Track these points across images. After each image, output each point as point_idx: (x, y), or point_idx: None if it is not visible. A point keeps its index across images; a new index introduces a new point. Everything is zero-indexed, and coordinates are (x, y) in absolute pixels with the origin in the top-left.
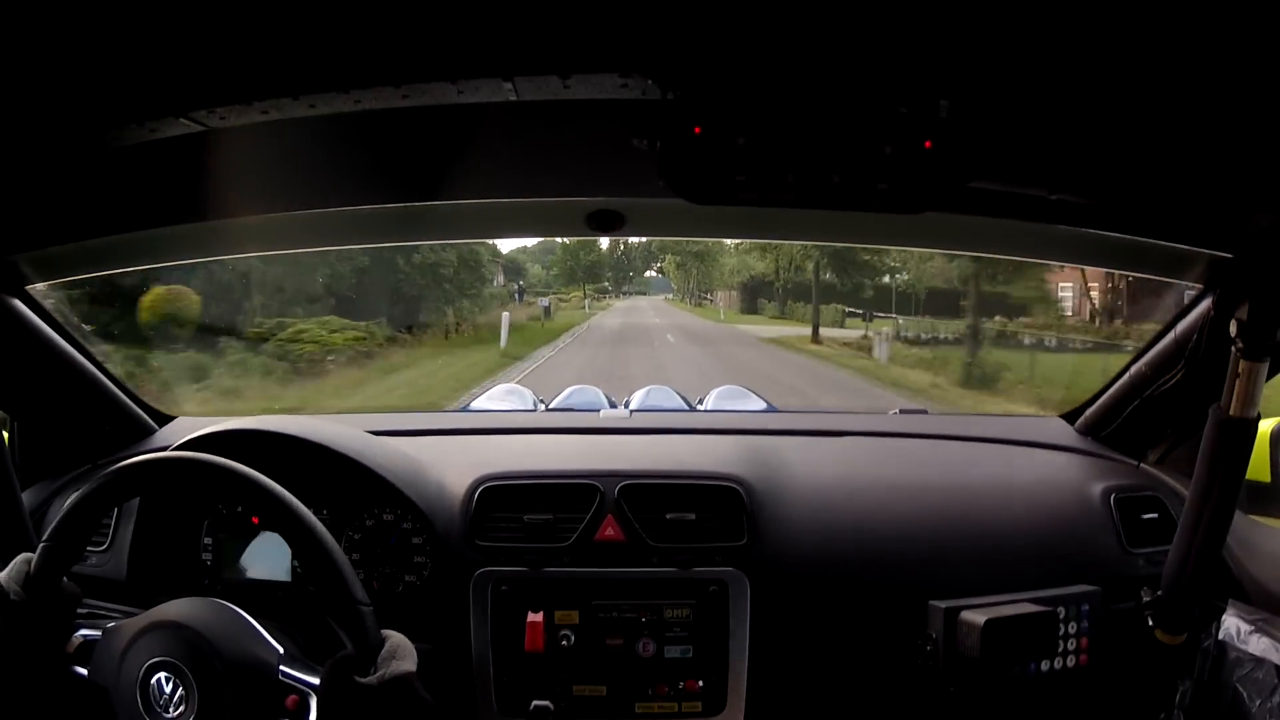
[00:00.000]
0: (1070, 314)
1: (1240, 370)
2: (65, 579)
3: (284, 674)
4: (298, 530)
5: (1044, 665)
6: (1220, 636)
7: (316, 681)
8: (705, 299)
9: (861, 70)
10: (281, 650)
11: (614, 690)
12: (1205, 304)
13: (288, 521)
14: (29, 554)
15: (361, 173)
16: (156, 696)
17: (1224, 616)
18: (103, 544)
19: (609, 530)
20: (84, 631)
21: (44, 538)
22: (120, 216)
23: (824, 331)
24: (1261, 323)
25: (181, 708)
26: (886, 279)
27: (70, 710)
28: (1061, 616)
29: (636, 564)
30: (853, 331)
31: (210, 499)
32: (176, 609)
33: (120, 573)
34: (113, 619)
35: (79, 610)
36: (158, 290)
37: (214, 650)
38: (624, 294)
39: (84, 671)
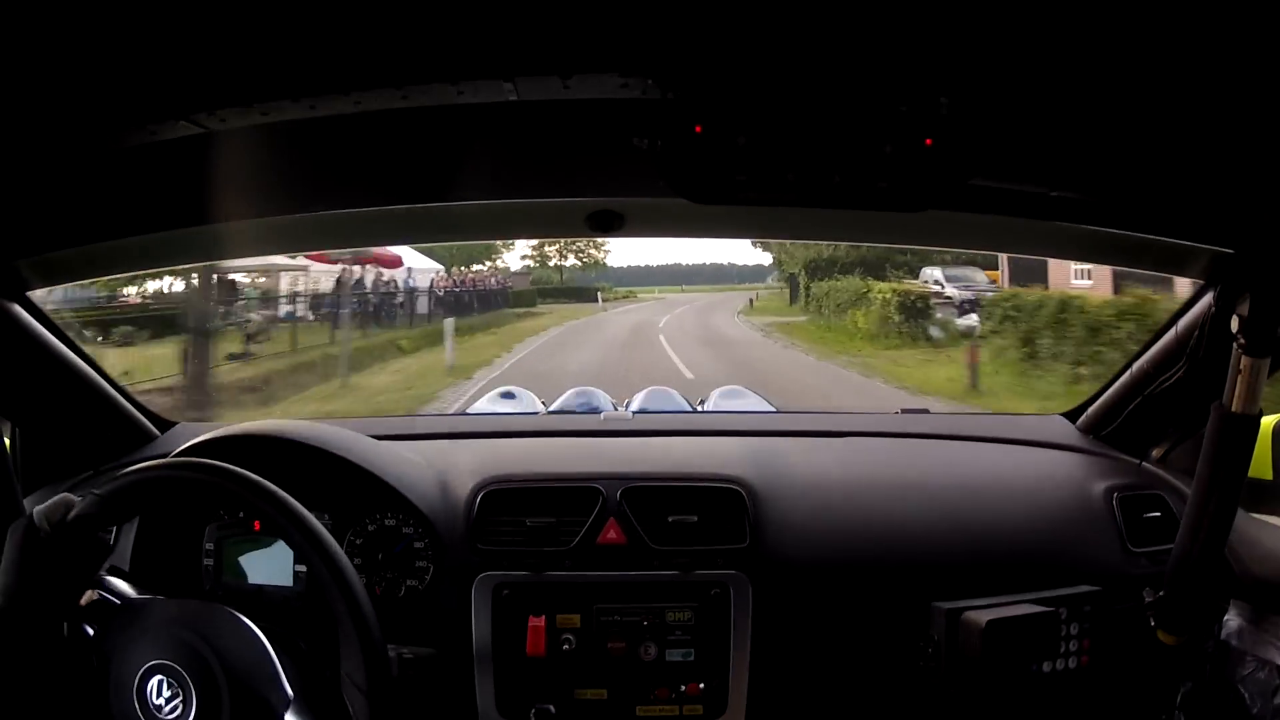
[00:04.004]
0: None
1: (1242, 367)
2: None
3: None
4: (334, 589)
5: (1046, 666)
6: (1222, 637)
7: None
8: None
9: (862, 68)
10: (290, 694)
11: (615, 694)
12: (1206, 300)
13: (326, 570)
14: (71, 496)
15: (362, 174)
16: (153, 699)
17: (1226, 617)
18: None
19: (611, 533)
20: (103, 592)
21: (97, 491)
22: (121, 221)
23: None
24: (1263, 318)
25: (178, 711)
26: None
27: (69, 663)
28: (1063, 617)
29: (638, 567)
30: None
31: (215, 504)
32: (188, 614)
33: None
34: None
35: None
36: None
37: (221, 672)
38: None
39: (91, 631)
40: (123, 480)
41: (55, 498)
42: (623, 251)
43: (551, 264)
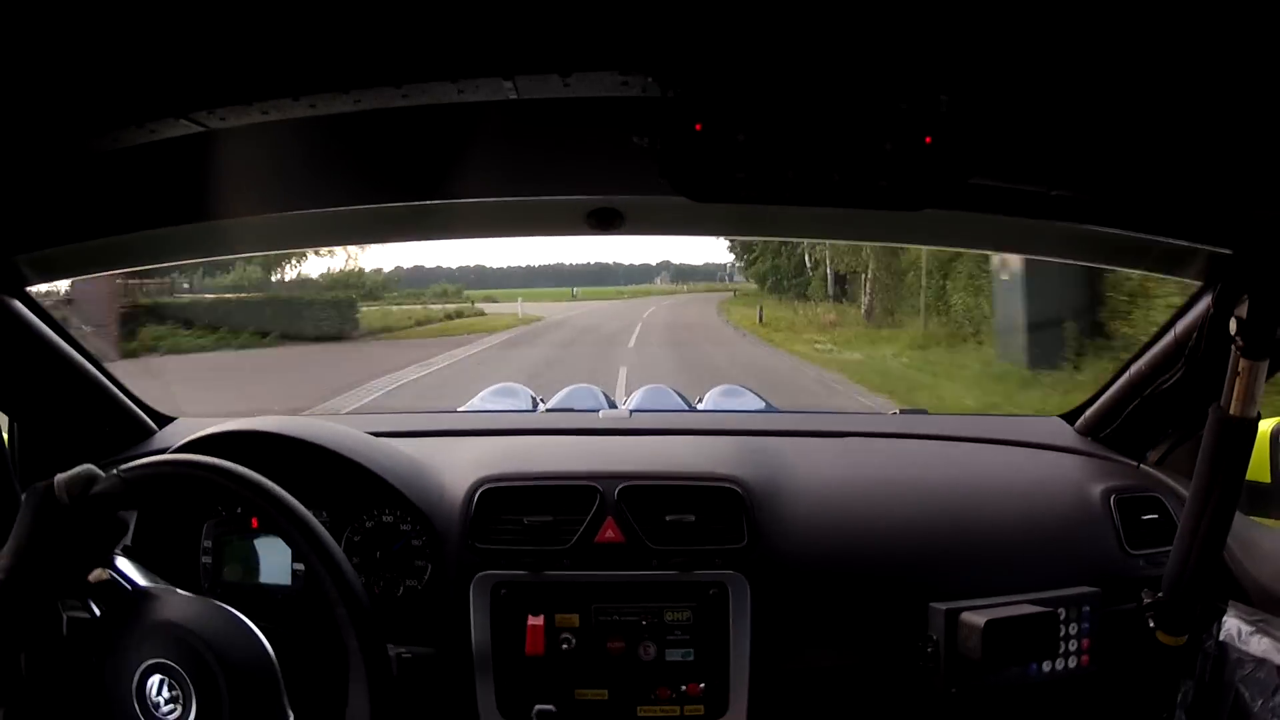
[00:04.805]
0: None
1: (1240, 369)
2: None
3: None
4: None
5: (1045, 667)
6: (1221, 637)
7: None
8: None
9: (861, 66)
10: (291, 717)
11: (615, 694)
12: (1205, 301)
13: (332, 584)
14: (94, 469)
15: (361, 172)
16: (152, 697)
17: (1225, 617)
18: None
19: (609, 532)
20: (115, 572)
21: (122, 472)
22: (121, 217)
23: None
24: (1261, 320)
25: (177, 712)
26: None
27: (69, 640)
28: (1062, 618)
29: (637, 566)
30: None
31: (214, 501)
32: (191, 613)
33: None
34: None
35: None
36: None
37: (221, 675)
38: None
39: (97, 611)
40: (149, 467)
41: (78, 469)
42: (494, 251)
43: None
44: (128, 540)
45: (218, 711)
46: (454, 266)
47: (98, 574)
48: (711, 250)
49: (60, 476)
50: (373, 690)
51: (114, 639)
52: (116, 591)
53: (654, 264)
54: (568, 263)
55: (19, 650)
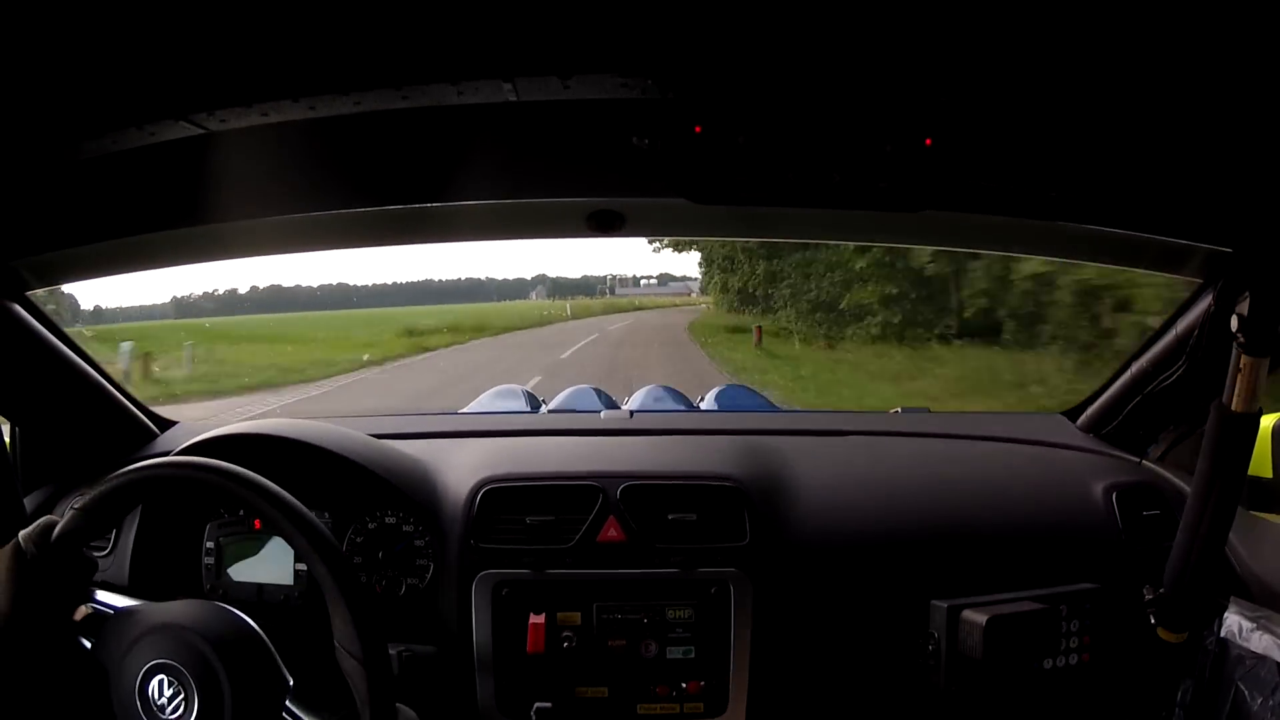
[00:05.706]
0: None
1: (1242, 365)
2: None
3: (288, 710)
4: (315, 558)
5: (1046, 664)
6: (1222, 634)
7: None
8: None
9: (861, 68)
10: (290, 681)
11: (616, 691)
12: (1206, 299)
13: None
14: (54, 518)
15: (361, 175)
16: (155, 699)
17: (1225, 614)
18: (105, 547)
19: (611, 531)
20: (95, 604)
21: (77, 506)
22: (121, 221)
23: None
24: (1262, 317)
25: (180, 709)
26: None
27: (69, 679)
28: (1063, 615)
29: (638, 565)
30: None
31: (215, 503)
32: (183, 612)
33: (123, 576)
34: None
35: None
36: None
37: (220, 666)
38: None
39: (88, 644)
40: (101, 489)
41: (38, 521)
42: (360, 266)
43: None
44: (119, 561)
45: (219, 697)
46: (315, 285)
47: (81, 610)
48: (590, 261)
49: (23, 532)
50: (373, 688)
51: (108, 663)
52: (101, 620)
53: (529, 277)
54: (436, 278)
55: (20, 702)
